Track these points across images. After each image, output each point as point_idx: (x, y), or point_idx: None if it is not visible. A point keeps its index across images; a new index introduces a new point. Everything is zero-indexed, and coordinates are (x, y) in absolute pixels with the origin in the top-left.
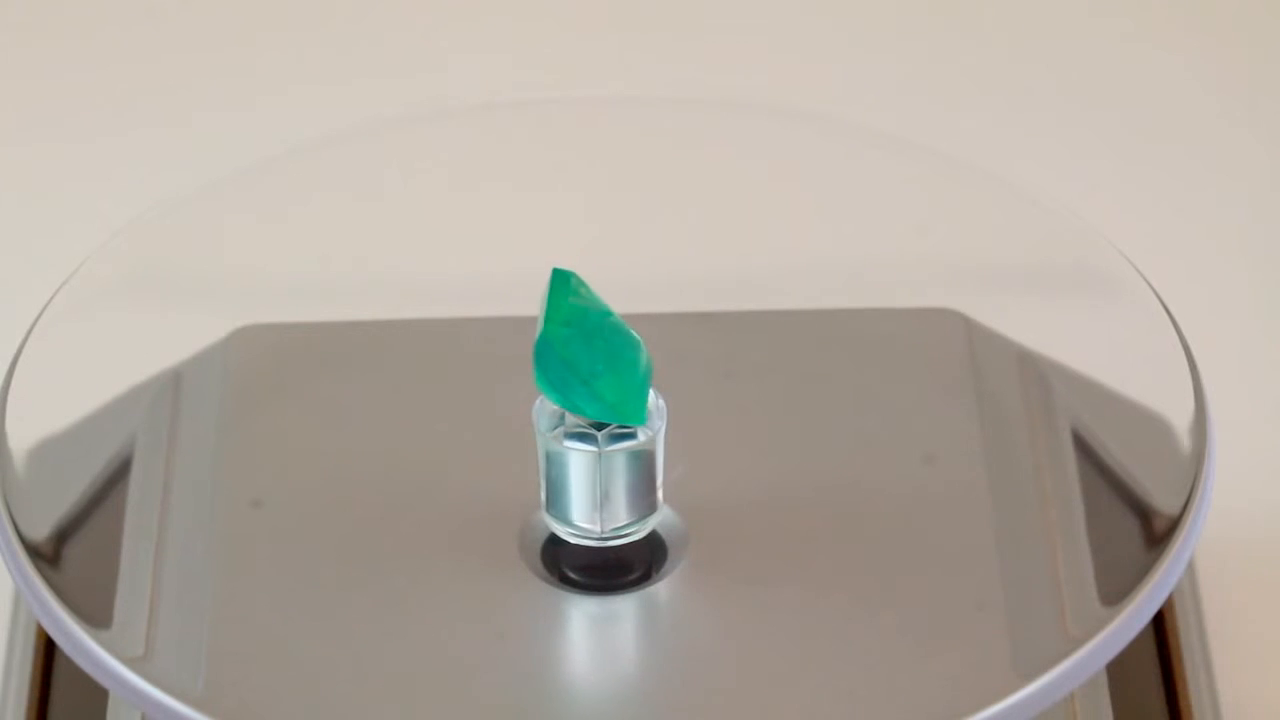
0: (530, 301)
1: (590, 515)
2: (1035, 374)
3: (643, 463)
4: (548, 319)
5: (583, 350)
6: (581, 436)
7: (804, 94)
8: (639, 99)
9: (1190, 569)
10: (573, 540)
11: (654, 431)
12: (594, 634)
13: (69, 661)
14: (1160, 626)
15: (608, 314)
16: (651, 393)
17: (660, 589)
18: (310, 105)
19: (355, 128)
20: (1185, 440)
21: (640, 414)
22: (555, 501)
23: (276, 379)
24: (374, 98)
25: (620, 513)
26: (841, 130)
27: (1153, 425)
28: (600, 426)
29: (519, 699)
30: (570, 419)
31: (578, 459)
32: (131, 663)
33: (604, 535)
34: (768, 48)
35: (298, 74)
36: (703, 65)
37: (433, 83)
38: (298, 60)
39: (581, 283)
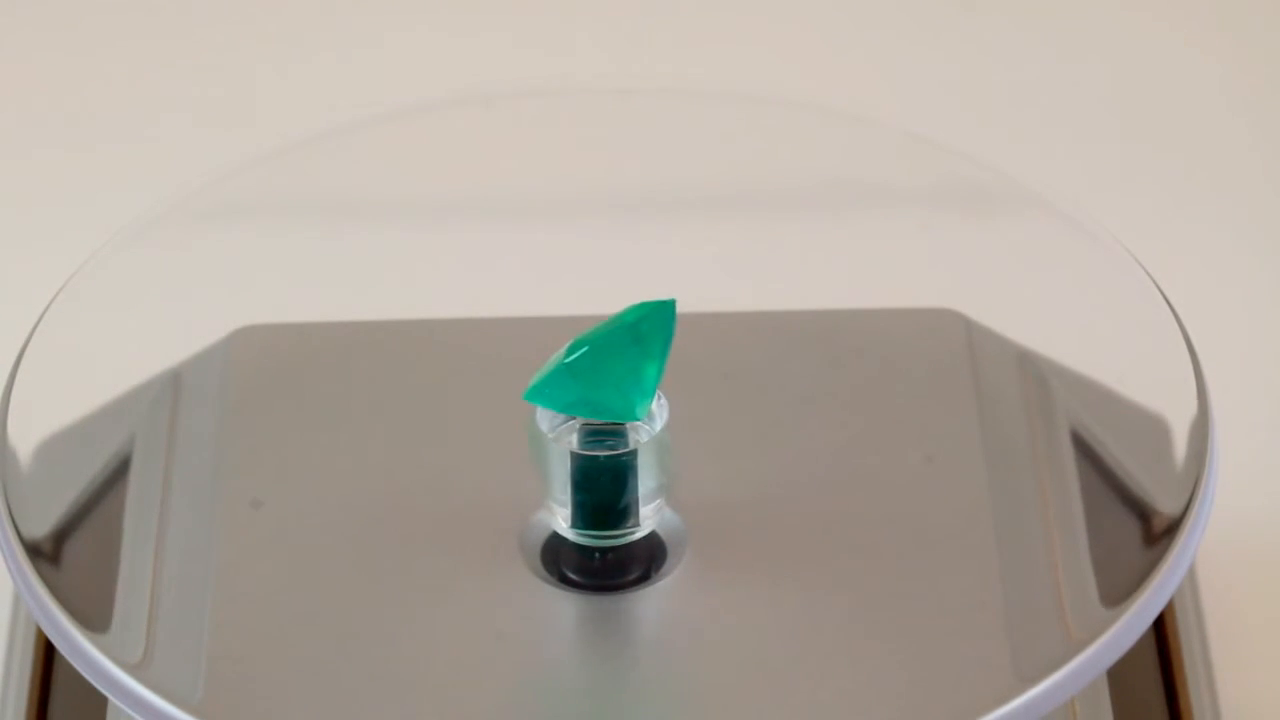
0: (531, 302)
1: (589, 515)
2: (1035, 374)
3: (643, 463)
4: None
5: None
6: (583, 437)
7: (804, 89)
8: (635, 91)
9: (1190, 570)
10: (573, 540)
11: (653, 434)
12: (594, 634)
13: (69, 662)
14: (1161, 628)
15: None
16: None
17: (660, 589)
18: (309, 102)
19: (354, 124)
20: (1185, 441)
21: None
22: (554, 500)
23: (276, 379)
24: (373, 94)
25: (621, 513)
26: (841, 127)
27: (1153, 425)
28: (601, 425)
29: (519, 699)
30: (571, 420)
31: (577, 459)
32: (130, 668)
33: (604, 535)
34: (767, 39)
35: (297, 71)
36: (702, 57)
37: (433, 80)
38: (297, 57)
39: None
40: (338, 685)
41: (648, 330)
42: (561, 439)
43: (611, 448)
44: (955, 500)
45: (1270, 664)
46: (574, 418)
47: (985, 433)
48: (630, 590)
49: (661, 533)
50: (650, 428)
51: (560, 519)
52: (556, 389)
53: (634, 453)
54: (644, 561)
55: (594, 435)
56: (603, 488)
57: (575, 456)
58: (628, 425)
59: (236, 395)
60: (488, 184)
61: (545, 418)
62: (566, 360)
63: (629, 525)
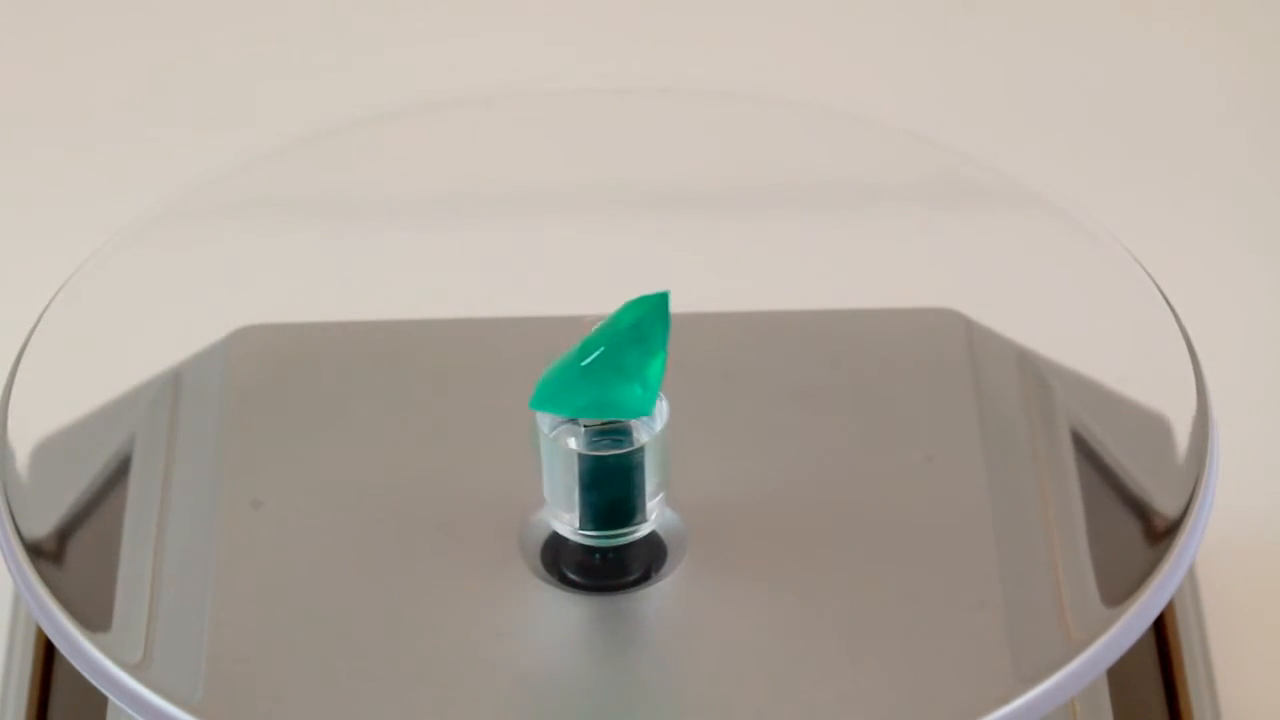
0: (531, 301)
1: (590, 515)
2: (1035, 374)
3: (644, 463)
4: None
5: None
6: (588, 438)
7: (804, 89)
8: (635, 91)
9: (1190, 570)
10: (573, 540)
11: (655, 432)
12: (594, 634)
13: (69, 662)
14: (1161, 628)
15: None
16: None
17: (660, 589)
18: (309, 102)
19: (354, 124)
20: (1185, 440)
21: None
22: (556, 501)
23: (276, 379)
24: (373, 94)
25: (621, 513)
26: (841, 126)
27: (1153, 425)
28: (603, 425)
29: (519, 699)
30: (570, 422)
31: (586, 460)
32: (130, 668)
33: (613, 534)
34: (767, 39)
35: (297, 71)
36: (702, 57)
37: (433, 80)
38: (297, 57)
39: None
40: (338, 685)
41: (648, 327)
42: (562, 440)
43: (618, 446)
44: (955, 500)
45: (1270, 664)
46: (572, 420)
47: (985, 433)
48: (630, 590)
49: (661, 533)
50: (652, 424)
51: (565, 522)
52: (567, 394)
53: (641, 450)
54: (644, 561)
55: (598, 436)
56: (613, 487)
57: (584, 458)
58: (631, 423)
59: (236, 395)
60: (488, 184)
61: (545, 421)
62: (582, 364)
63: (636, 522)
